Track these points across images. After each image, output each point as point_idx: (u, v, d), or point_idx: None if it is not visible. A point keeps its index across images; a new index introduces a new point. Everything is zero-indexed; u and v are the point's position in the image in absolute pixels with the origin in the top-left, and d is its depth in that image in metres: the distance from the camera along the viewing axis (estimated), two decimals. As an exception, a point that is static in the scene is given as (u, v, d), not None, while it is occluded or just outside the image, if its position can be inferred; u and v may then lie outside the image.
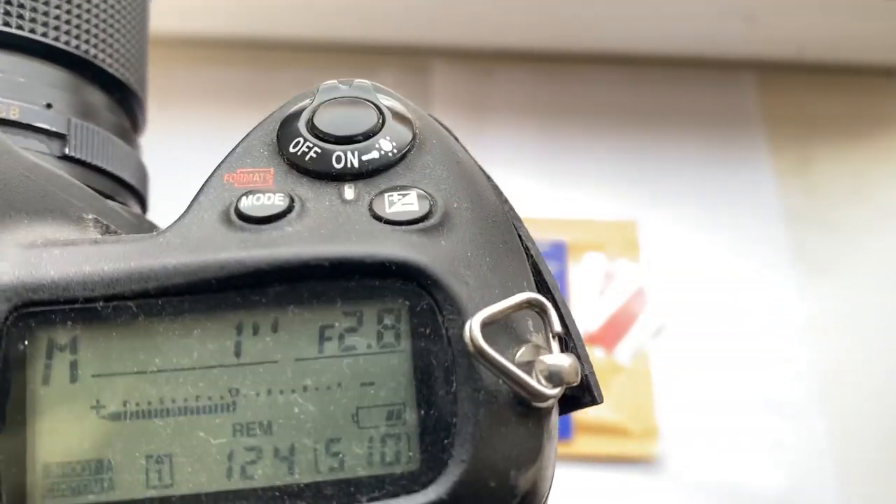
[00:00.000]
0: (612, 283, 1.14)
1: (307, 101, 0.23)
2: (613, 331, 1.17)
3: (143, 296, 0.19)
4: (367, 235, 0.20)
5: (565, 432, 1.12)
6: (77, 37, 0.27)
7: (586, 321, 1.15)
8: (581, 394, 0.22)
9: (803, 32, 0.80)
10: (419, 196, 0.21)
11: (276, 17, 0.76)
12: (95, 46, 0.27)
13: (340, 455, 0.19)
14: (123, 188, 0.27)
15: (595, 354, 1.13)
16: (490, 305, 0.19)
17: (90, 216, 0.22)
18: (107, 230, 0.23)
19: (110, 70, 0.28)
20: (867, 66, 0.83)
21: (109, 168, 0.27)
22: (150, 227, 0.26)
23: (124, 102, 0.29)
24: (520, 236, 0.23)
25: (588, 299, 1.15)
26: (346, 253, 0.19)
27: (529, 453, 0.19)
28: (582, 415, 1.10)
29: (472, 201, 0.21)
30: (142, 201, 0.29)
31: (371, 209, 0.21)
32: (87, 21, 0.27)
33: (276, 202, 0.21)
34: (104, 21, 0.28)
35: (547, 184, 0.85)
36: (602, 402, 0.23)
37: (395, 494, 0.19)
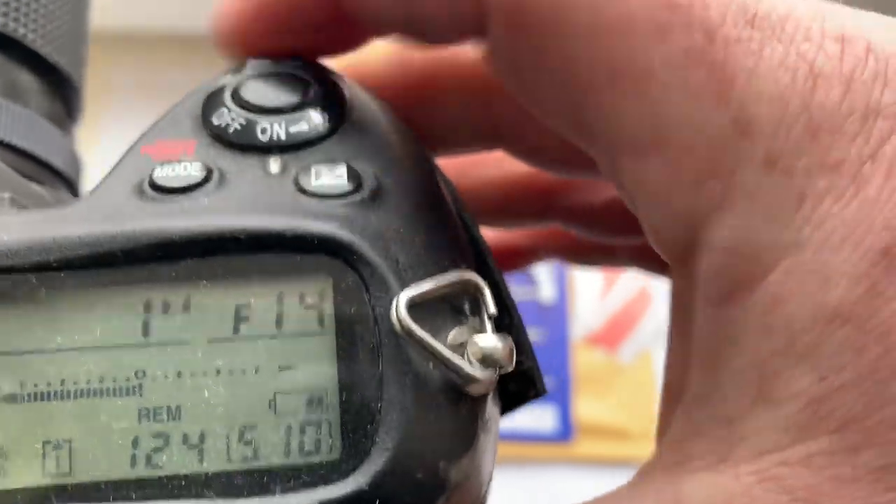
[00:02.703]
0: (614, 284, 1.13)
1: (234, 75, 0.22)
2: (616, 331, 1.16)
3: (44, 268, 0.18)
4: (289, 208, 0.19)
5: (566, 434, 1.11)
6: (5, 14, 0.25)
7: (588, 321, 1.14)
8: (525, 387, 0.21)
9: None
10: (349, 170, 0.20)
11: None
12: (25, 26, 0.26)
13: (254, 443, 0.17)
14: (52, 174, 0.26)
15: (597, 355, 1.12)
16: (420, 283, 0.18)
17: (6, 195, 0.21)
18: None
19: (41, 52, 0.27)
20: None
21: (36, 151, 0.25)
22: None
23: (57, 87, 0.28)
24: (461, 217, 0.21)
25: (590, 300, 1.14)
26: (264, 225, 0.18)
27: (461, 444, 0.18)
28: (583, 416, 1.09)
29: (407, 177, 0.20)
30: (73, 190, 0.27)
31: (297, 182, 0.19)
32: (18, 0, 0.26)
33: (193, 172, 0.19)
34: (36, 1, 0.27)
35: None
36: (546, 392, 0.21)
37: (313, 485, 0.17)
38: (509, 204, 0.29)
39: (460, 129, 0.25)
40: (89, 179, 0.26)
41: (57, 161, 0.26)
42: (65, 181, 0.27)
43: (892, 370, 0.15)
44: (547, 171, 0.27)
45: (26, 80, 0.26)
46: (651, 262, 0.30)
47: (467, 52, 0.24)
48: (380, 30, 0.22)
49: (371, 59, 0.25)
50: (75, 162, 0.28)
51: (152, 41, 1.10)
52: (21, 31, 0.26)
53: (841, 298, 0.16)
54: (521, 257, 0.32)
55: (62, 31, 0.27)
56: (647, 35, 0.17)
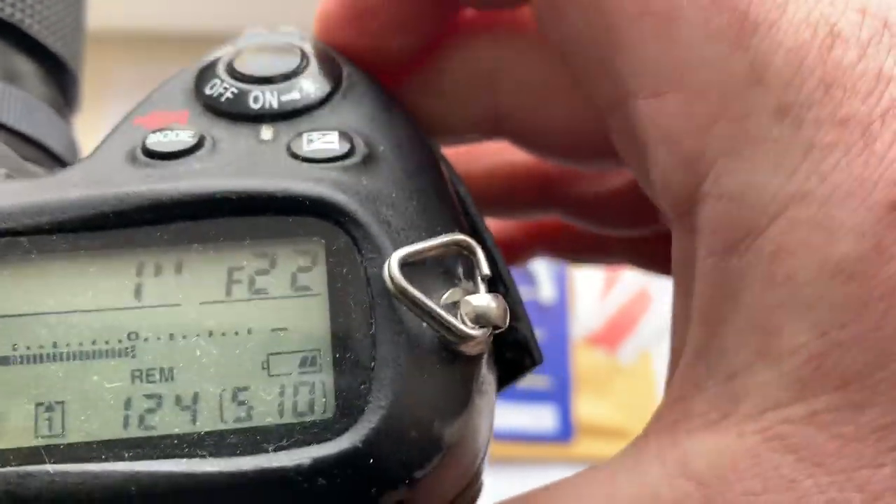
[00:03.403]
0: (614, 284, 1.13)
1: (227, 48, 0.22)
2: (616, 331, 1.16)
3: (37, 231, 0.18)
4: (281, 172, 0.19)
5: (566, 434, 1.11)
6: (3, 0, 0.26)
7: (588, 321, 1.14)
8: (521, 355, 0.21)
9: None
10: (341, 136, 0.20)
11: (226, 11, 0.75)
12: (23, 11, 0.26)
13: (248, 404, 0.17)
14: (50, 157, 0.26)
15: (597, 355, 1.12)
16: (413, 244, 0.18)
17: (2, 171, 0.21)
18: None
19: (40, 38, 0.27)
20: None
21: (34, 134, 0.25)
22: None
23: (55, 75, 0.28)
24: (455, 186, 0.21)
25: (590, 300, 1.14)
26: (256, 187, 0.18)
27: (456, 403, 0.18)
28: (582, 416, 1.08)
29: (400, 145, 0.20)
30: None
31: (289, 148, 0.19)
32: None
33: (185, 138, 0.19)
34: None
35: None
36: (542, 361, 0.21)
37: (306, 443, 0.17)
38: (509, 193, 0.29)
39: (464, 115, 0.25)
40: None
41: (54, 144, 0.26)
42: (62, 164, 0.27)
43: None
44: (548, 160, 0.27)
45: (25, 66, 0.26)
46: (648, 258, 0.30)
47: (473, 37, 0.24)
48: None
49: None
50: (73, 147, 0.28)
51: (152, 41, 1.10)
52: (19, 15, 0.26)
53: (846, 253, 0.15)
54: (517, 253, 0.32)
55: (60, 19, 0.28)
56: None
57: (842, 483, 0.15)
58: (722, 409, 0.17)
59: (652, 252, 0.29)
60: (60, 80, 0.28)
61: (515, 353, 0.21)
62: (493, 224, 0.32)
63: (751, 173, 0.17)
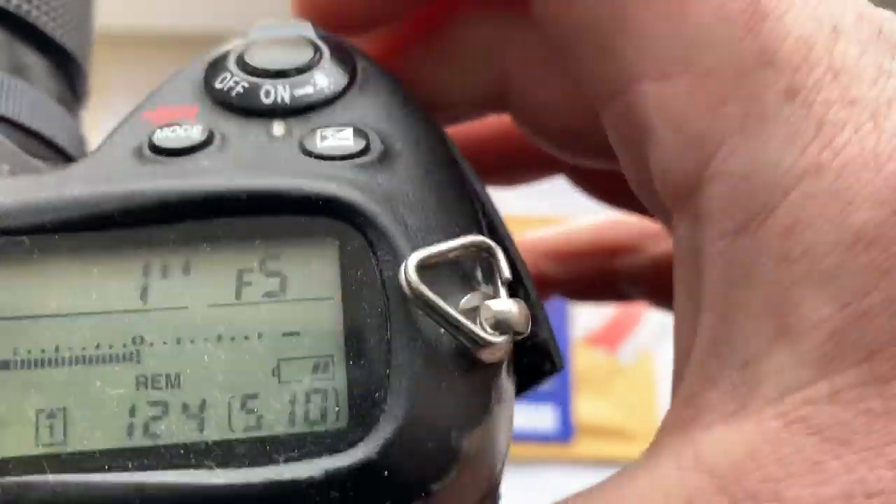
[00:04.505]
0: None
1: (238, 41, 0.21)
2: (616, 331, 1.15)
3: (39, 230, 0.17)
4: (293, 170, 0.18)
5: (566, 434, 1.10)
6: None
7: (589, 322, 1.13)
8: (540, 361, 0.20)
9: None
10: (355, 132, 0.19)
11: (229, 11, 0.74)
12: (30, 3, 0.26)
13: (257, 412, 0.17)
14: (56, 152, 0.26)
15: (597, 355, 1.12)
16: (431, 246, 0.17)
17: (5, 167, 0.20)
18: None
19: (48, 31, 0.26)
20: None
21: (40, 129, 0.25)
22: None
23: (63, 68, 0.27)
24: (474, 186, 0.21)
25: (590, 299, 1.14)
26: (267, 186, 0.17)
27: (474, 413, 0.17)
28: (582, 416, 1.08)
29: (416, 142, 0.19)
30: None
31: (301, 145, 0.19)
32: None
33: (193, 135, 0.19)
34: None
35: (550, 182, 0.83)
36: (562, 367, 0.21)
37: (318, 454, 0.16)
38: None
39: (470, 86, 0.25)
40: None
41: (61, 139, 0.25)
42: (68, 159, 0.26)
43: None
44: (547, 146, 0.26)
45: (33, 59, 0.26)
46: (653, 289, 0.30)
47: (481, 11, 0.23)
48: None
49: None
50: (80, 142, 0.27)
51: (152, 41, 1.09)
52: (26, 7, 0.25)
53: (864, 221, 0.15)
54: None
55: (69, 12, 0.27)
56: None
57: (872, 461, 0.14)
58: (739, 399, 0.16)
59: (659, 281, 0.29)
60: (68, 73, 0.28)
61: (535, 357, 0.20)
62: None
63: (761, 151, 0.16)
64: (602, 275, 0.31)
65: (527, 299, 0.20)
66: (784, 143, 0.16)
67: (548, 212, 0.80)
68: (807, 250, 0.16)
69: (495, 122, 0.28)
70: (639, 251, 0.30)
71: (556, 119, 0.24)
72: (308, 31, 0.21)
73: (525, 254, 0.31)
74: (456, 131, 0.26)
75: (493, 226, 0.20)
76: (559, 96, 0.23)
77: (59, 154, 0.25)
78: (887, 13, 0.18)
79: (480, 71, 0.24)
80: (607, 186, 0.28)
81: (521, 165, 0.29)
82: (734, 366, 0.16)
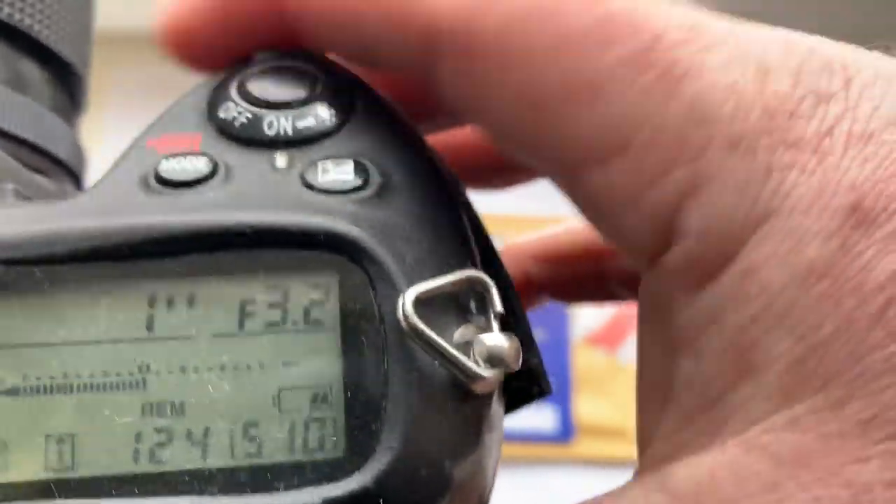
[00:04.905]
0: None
1: (243, 67, 0.21)
2: (616, 331, 1.16)
3: (49, 261, 0.18)
4: (295, 204, 0.19)
5: (566, 434, 1.11)
6: (11, 4, 0.25)
7: (588, 322, 1.14)
8: (530, 385, 0.21)
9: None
10: (356, 165, 0.19)
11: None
12: (31, 17, 0.26)
13: (258, 440, 0.17)
14: (56, 165, 0.26)
15: (597, 355, 1.12)
16: (426, 281, 0.18)
17: (9, 186, 0.21)
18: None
19: (46, 42, 0.26)
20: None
21: (40, 142, 0.25)
22: None
23: (62, 78, 0.28)
24: (469, 215, 0.21)
25: (591, 299, 1.14)
26: (270, 221, 0.18)
27: (466, 442, 0.18)
28: (582, 416, 1.09)
29: (415, 174, 0.20)
30: (77, 181, 0.27)
31: (303, 178, 0.19)
32: None
33: (199, 166, 0.19)
34: None
35: (545, 182, 0.84)
36: (551, 392, 0.21)
37: (317, 482, 0.17)
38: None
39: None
40: (92, 177, 0.26)
41: (61, 152, 0.26)
42: (69, 172, 0.27)
43: (870, 319, 0.15)
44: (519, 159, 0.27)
45: (31, 70, 0.26)
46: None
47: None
48: (331, 48, 0.22)
49: None
50: (80, 153, 0.28)
51: (153, 41, 1.10)
52: (27, 21, 0.25)
53: (815, 256, 0.16)
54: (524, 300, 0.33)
55: (67, 22, 0.27)
56: (592, 46, 0.18)
57: (827, 480, 0.15)
58: (709, 433, 0.17)
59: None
60: (68, 83, 0.28)
61: (524, 381, 0.21)
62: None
63: (715, 206, 0.17)
64: (592, 277, 0.31)
65: (518, 325, 0.20)
66: (735, 195, 0.17)
67: (543, 212, 0.81)
68: (763, 289, 0.16)
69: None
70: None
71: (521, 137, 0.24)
72: (308, 59, 0.22)
73: (514, 257, 0.31)
74: (439, 137, 0.27)
75: (487, 254, 0.21)
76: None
77: (59, 167, 0.26)
78: (818, 38, 0.18)
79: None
80: None
81: (509, 168, 0.29)
82: (705, 405, 0.17)
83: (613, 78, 0.17)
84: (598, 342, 1.12)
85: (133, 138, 0.21)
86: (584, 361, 1.09)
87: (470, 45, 0.19)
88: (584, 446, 1.07)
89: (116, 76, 1.06)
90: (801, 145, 0.16)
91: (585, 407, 1.07)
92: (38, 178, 0.23)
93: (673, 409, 0.18)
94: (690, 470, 0.16)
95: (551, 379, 0.22)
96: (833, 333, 0.15)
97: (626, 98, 0.17)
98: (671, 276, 0.18)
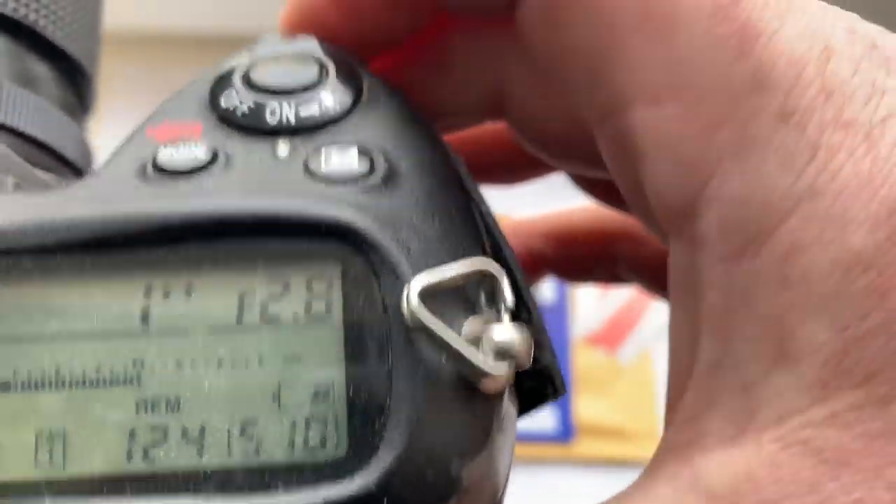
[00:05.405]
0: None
1: (245, 55, 0.21)
2: (616, 331, 1.15)
3: (40, 251, 0.17)
4: (297, 192, 0.18)
5: (566, 434, 1.10)
6: (17, 0, 0.25)
7: (588, 321, 1.13)
8: (542, 385, 0.20)
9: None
10: (360, 153, 0.19)
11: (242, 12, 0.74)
12: (37, 12, 0.25)
13: (257, 438, 0.17)
14: (62, 163, 0.25)
15: (597, 355, 1.11)
16: (433, 271, 0.17)
17: (10, 180, 0.20)
18: None
19: (53, 39, 0.26)
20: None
21: (46, 139, 0.24)
22: None
23: (70, 77, 0.27)
24: (479, 206, 0.20)
25: (590, 300, 1.13)
26: (270, 209, 0.17)
27: (476, 442, 0.17)
28: (583, 416, 1.08)
29: (422, 163, 0.19)
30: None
31: (306, 166, 0.19)
32: None
33: (198, 155, 0.18)
34: None
35: (550, 181, 0.83)
36: (565, 392, 0.20)
37: (317, 483, 0.16)
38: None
39: (464, 100, 0.25)
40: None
41: (67, 149, 0.25)
42: (75, 170, 0.26)
43: None
44: (542, 156, 0.26)
45: (38, 68, 0.26)
46: (652, 278, 0.30)
47: (478, 25, 0.23)
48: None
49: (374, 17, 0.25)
50: (86, 151, 0.27)
51: (154, 41, 1.09)
52: (33, 17, 0.25)
53: (861, 244, 0.15)
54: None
55: (75, 19, 0.27)
56: None
57: (871, 482, 0.15)
58: (738, 423, 0.16)
59: (656, 268, 0.29)
60: (75, 82, 0.28)
61: (537, 382, 0.20)
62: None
63: (757, 175, 0.16)
64: (600, 259, 0.31)
65: (530, 323, 0.20)
66: (779, 167, 0.16)
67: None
68: (804, 274, 0.16)
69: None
70: (640, 240, 0.30)
71: (551, 130, 0.24)
72: (314, 46, 0.21)
73: (523, 233, 0.31)
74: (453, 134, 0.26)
75: (496, 245, 0.20)
76: (553, 109, 0.23)
77: (65, 164, 0.25)
78: (878, 28, 0.18)
79: (476, 84, 0.24)
80: (608, 189, 0.28)
81: (521, 163, 0.29)
82: (734, 390, 0.16)
83: (690, 21, 0.17)
84: (598, 342, 1.11)
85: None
86: (584, 361, 1.08)
87: None
88: (583, 446, 1.07)
89: (118, 76, 1.05)
90: (853, 129, 0.16)
91: (585, 407, 1.06)
92: (42, 173, 0.23)
93: (696, 389, 0.17)
94: (725, 468, 0.16)
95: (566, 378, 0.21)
96: (878, 327, 0.15)
97: (695, 44, 0.17)
98: (703, 245, 0.17)
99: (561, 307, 1.08)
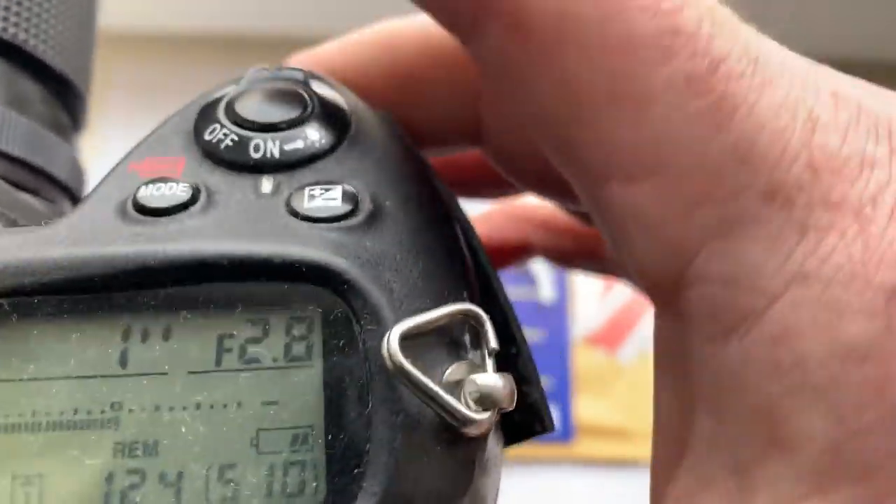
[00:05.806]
0: (614, 284, 1.12)
1: (231, 87, 0.21)
2: (616, 331, 1.15)
3: (18, 293, 0.17)
4: (278, 233, 0.18)
5: (566, 434, 1.10)
6: (5, 19, 0.25)
7: (588, 321, 1.13)
8: (531, 420, 0.20)
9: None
10: (345, 192, 0.18)
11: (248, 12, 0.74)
12: (27, 31, 0.25)
13: (235, 483, 0.16)
14: (52, 184, 0.25)
15: (597, 355, 1.11)
16: (415, 315, 0.17)
17: None
18: (13, 225, 0.20)
19: (44, 59, 0.26)
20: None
21: (36, 162, 0.24)
22: None
23: (61, 96, 0.27)
24: (468, 242, 0.20)
25: (590, 300, 1.13)
26: (249, 251, 0.17)
27: (456, 488, 0.17)
28: (583, 416, 1.08)
29: (407, 200, 0.19)
30: (75, 201, 0.27)
31: (288, 204, 0.18)
32: (20, 4, 0.25)
33: (178, 192, 0.18)
34: (39, 5, 0.26)
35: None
36: (553, 430, 0.20)
37: None
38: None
39: (445, 125, 0.25)
40: (91, 185, 0.25)
41: (57, 171, 0.25)
42: (65, 191, 0.26)
43: None
44: (519, 186, 0.26)
45: (28, 87, 0.25)
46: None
47: (453, 44, 0.23)
48: None
49: (357, 49, 0.25)
50: (78, 172, 0.27)
51: (152, 41, 1.09)
52: (22, 36, 0.25)
53: (857, 334, 0.15)
54: (512, 254, 0.32)
55: (66, 38, 0.26)
56: (650, 57, 0.17)
57: None
58: None
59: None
60: (67, 100, 0.27)
61: (526, 417, 0.20)
62: (488, 225, 0.31)
63: (744, 255, 0.16)
64: (593, 251, 0.31)
65: (518, 358, 0.19)
66: (766, 248, 0.16)
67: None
68: (798, 361, 0.15)
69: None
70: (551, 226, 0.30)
71: (529, 167, 0.24)
72: (300, 79, 0.21)
73: (516, 219, 0.31)
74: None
75: (485, 280, 0.20)
76: (528, 145, 0.22)
77: (55, 185, 0.25)
78: (865, 86, 0.17)
79: (454, 114, 0.24)
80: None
81: (501, 181, 0.29)
82: (729, 470, 0.16)
83: (664, 95, 0.16)
84: (598, 342, 1.11)
85: (128, 147, 0.20)
86: (584, 361, 1.08)
87: (524, 21, 0.18)
88: (584, 446, 1.07)
89: (116, 76, 1.05)
90: (843, 208, 0.15)
91: (585, 407, 1.06)
92: (27, 198, 0.22)
93: (692, 466, 0.17)
94: None
95: (547, 379, 0.21)
96: (876, 421, 0.15)
97: (671, 119, 0.16)
98: (690, 322, 0.17)
99: (561, 307, 1.08)
